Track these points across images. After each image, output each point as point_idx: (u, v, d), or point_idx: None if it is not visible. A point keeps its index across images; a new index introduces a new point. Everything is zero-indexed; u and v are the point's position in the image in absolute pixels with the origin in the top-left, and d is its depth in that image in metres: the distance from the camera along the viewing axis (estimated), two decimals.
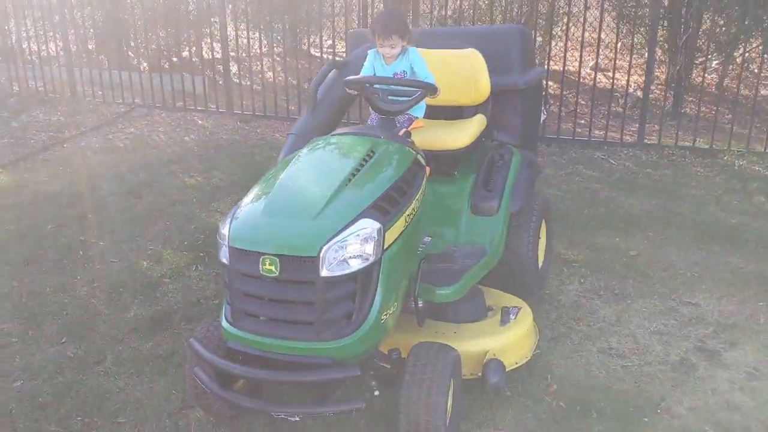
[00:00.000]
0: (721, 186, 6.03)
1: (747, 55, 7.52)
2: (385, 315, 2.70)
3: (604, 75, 8.92)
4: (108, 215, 5.51)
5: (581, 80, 8.49)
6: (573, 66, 8.78)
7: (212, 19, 9.12)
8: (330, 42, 9.61)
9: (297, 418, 2.84)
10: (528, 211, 3.86)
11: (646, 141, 7.03)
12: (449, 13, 8.30)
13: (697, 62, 8.32)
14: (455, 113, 3.96)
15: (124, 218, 5.43)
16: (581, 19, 7.53)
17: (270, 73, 8.75)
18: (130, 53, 9.92)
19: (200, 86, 8.55)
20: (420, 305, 3.05)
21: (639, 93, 8.21)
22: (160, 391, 3.34)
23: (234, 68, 9.09)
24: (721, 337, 3.72)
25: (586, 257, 4.66)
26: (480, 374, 3.10)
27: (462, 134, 3.66)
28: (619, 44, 7.24)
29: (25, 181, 6.35)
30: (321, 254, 2.53)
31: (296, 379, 2.64)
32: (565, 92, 8.23)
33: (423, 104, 3.49)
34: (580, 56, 8.26)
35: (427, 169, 3.27)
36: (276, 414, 2.68)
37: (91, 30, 9.90)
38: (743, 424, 3.06)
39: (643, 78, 7.46)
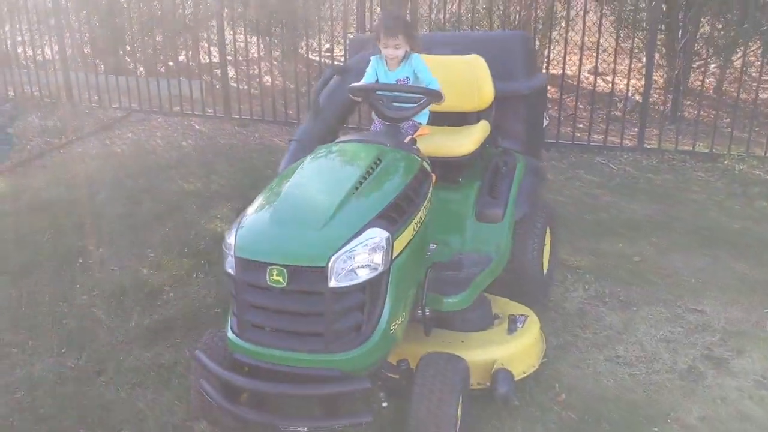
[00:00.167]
0: (723, 191, 6.02)
1: (746, 58, 7.51)
2: (395, 325, 2.67)
3: (603, 79, 8.91)
4: (107, 222, 5.45)
5: (580, 84, 8.48)
6: (572, 70, 8.77)
7: (209, 23, 9.07)
8: (328, 46, 9.58)
9: (304, 431, 2.80)
10: (533, 217, 3.84)
11: (645, 145, 7.02)
12: (447, 17, 8.27)
13: (694, 66, 8.32)
14: (458, 120, 3.92)
15: (123, 225, 5.38)
16: (579, 23, 7.51)
17: (268, 77, 8.71)
18: (126, 57, 9.86)
19: (198, 91, 8.49)
20: (427, 314, 3.02)
21: (638, 97, 8.21)
22: (163, 402, 3.29)
23: (231, 72, 9.04)
24: (728, 345, 3.70)
25: (590, 263, 4.63)
26: (488, 384, 3.07)
27: (466, 140, 3.63)
28: (617, 48, 7.24)
29: (22, 188, 6.30)
30: (329, 264, 2.49)
31: (305, 392, 2.60)
32: (564, 96, 8.21)
33: (427, 111, 3.46)
34: (580, 60, 8.24)
35: (434, 176, 3.24)
36: (283, 428, 2.63)
37: (87, 34, 9.83)
38: None
39: (642, 82, 7.46)
